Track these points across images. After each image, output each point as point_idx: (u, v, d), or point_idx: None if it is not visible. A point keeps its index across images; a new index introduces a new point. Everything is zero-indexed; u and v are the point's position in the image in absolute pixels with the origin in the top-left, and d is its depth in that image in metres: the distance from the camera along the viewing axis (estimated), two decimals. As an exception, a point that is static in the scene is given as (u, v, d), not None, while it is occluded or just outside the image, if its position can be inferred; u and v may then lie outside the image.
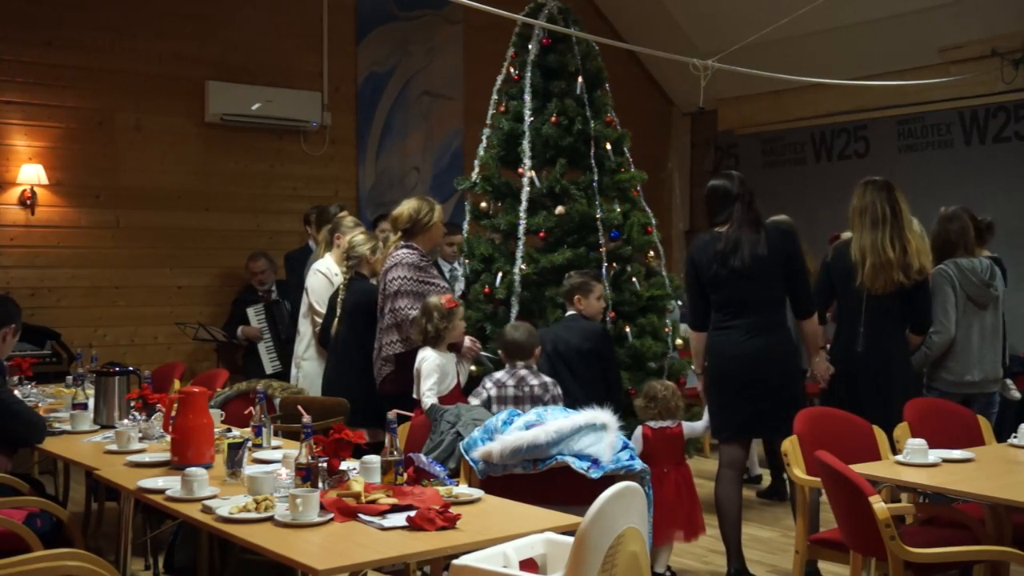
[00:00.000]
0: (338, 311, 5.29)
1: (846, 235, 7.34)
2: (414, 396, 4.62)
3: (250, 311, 7.31)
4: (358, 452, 3.29)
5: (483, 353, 5.28)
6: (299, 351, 5.74)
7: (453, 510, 2.79)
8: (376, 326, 5.05)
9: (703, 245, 4.54)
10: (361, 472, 3.15)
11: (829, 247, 7.32)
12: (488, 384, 4.58)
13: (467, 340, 4.89)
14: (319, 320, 5.56)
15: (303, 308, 5.75)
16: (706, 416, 4.69)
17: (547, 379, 4.60)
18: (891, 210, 4.63)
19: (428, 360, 4.60)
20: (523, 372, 4.57)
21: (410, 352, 4.80)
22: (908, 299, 4.66)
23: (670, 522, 4.46)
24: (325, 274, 5.64)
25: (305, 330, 5.71)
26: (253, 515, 2.78)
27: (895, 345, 4.68)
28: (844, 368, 4.67)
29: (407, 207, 5.08)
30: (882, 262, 4.58)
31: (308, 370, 5.64)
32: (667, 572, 4.59)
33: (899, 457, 3.71)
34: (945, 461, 3.64)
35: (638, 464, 3.56)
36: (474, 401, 4.51)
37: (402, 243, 5.02)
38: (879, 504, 3.05)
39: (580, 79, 6.05)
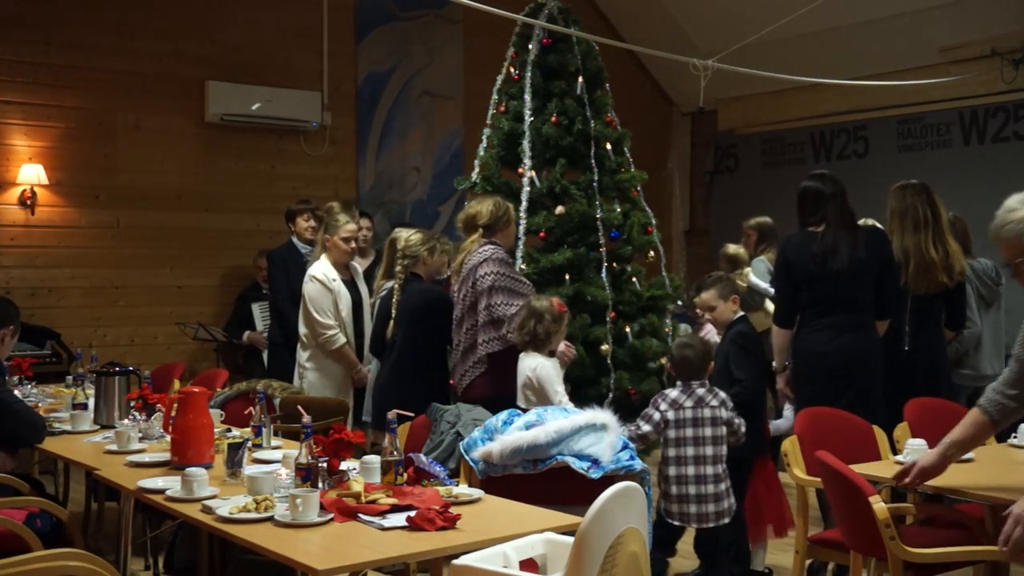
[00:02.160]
0: (392, 313, 5.02)
1: None
2: (520, 404, 4.42)
3: (255, 307, 7.32)
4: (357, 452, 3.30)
5: None
6: (301, 359, 5.53)
7: (453, 510, 2.79)
8: (436, 327, 4.89)
9: (798, 245, 4.60)
10: (361, 472, 3.15)
11: None
12: (662, 405, 4.18)
13: (562, 344, 4.71)
14: (325, 331, 5.37)
15: (301, 315, 5.53)
16: (788, 413, 4.70)
17: (722, 394, 4.22)
18: (932, 213, 4.73)
19: (545, 366, 4.42)
20: (700, 391, 4.19)
21: (503, 352, 4.66)
22: (948, 299, 4.81)
23: (762, 519, 4.45)
24: (322, 281, 5.43)
25: (307, 340, 5.49)
26: (253, 515, 2.78)
27: (938, 343, 4.82)
28: (888, 367, 4.71)
29: (485, 205, 4.93)
30: (926, 264, 4.67)
31: (313, 379, 5.45)
32: (765, 570, 4.59)
33: (899, 457, 3.71)
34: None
35: (638, 464, 3.56)
36: (644, 426, 4.16)
37: (485, 240, 4.86)
38: (879, 504, 3.05)
39: (580, 79, 6.06)
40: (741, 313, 4.72)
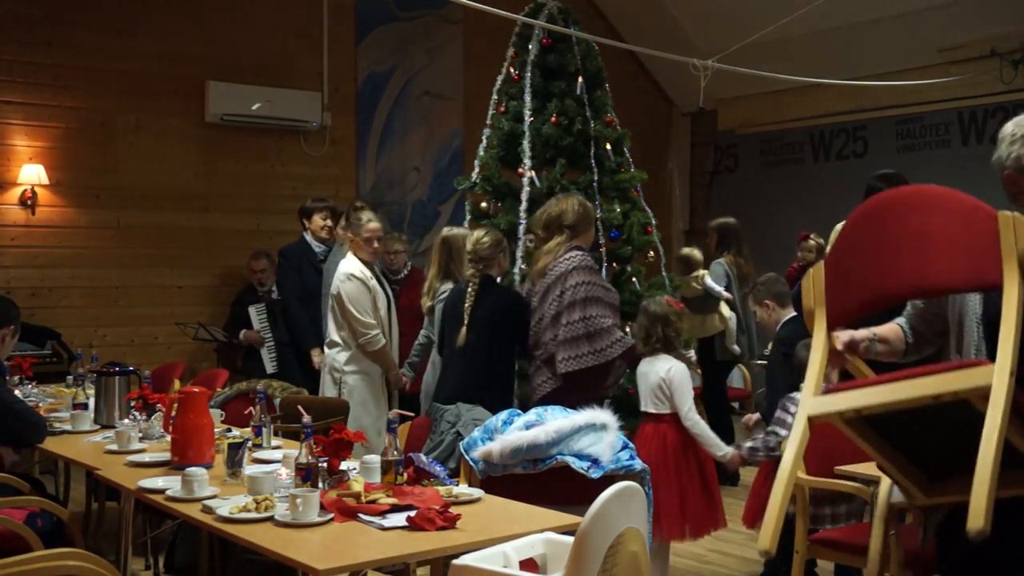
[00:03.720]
0: (466, 318, 4.66)
1: (812, 235, 7.47)
2: (643, 408, 4.37)
3: (252, 310, 7.29)
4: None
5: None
6: (338, 363, 5.16)
7: (453, 510, 2.79)
8: (513, 334, 4.64)
9: None
10: (361, 472, 3.15)
11: (799, 246, 7.42)
12: (792, 408, 4.05)
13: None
14: (367, 331, 5.08)
15: (337, 317, 5.19)
16: None
17: None
18: None
19: (682, 370, 4.36)
20: None
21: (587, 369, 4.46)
22: None
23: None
24: (361, 279, 5.14)
25: (344, 341, 5.17)
26: (253, 515, 2.78)
27: None
28: None
29: (570, 203, 4.65)
30: None
31: (355, 383, 5.11)
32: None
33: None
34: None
35: (638, 464, 3.57)
36: (781, 431, 4.03)
37: (570, 244, 4.58)
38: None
39: (580, 79, 6.05)
40: (792, 314, 4.64)
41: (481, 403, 4.28)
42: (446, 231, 5.33)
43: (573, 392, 4.38)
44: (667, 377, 4.36)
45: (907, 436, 2.18)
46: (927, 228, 2.13)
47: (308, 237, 6.34)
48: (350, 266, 5.17)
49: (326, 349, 5.30)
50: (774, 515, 2.04)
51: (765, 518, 2.04)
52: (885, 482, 3.42)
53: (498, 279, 4.84)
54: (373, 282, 5.18)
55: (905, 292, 2.17)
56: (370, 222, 5.25)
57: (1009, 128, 2.34)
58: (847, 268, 2.24)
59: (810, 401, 2.13)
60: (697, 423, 4.33)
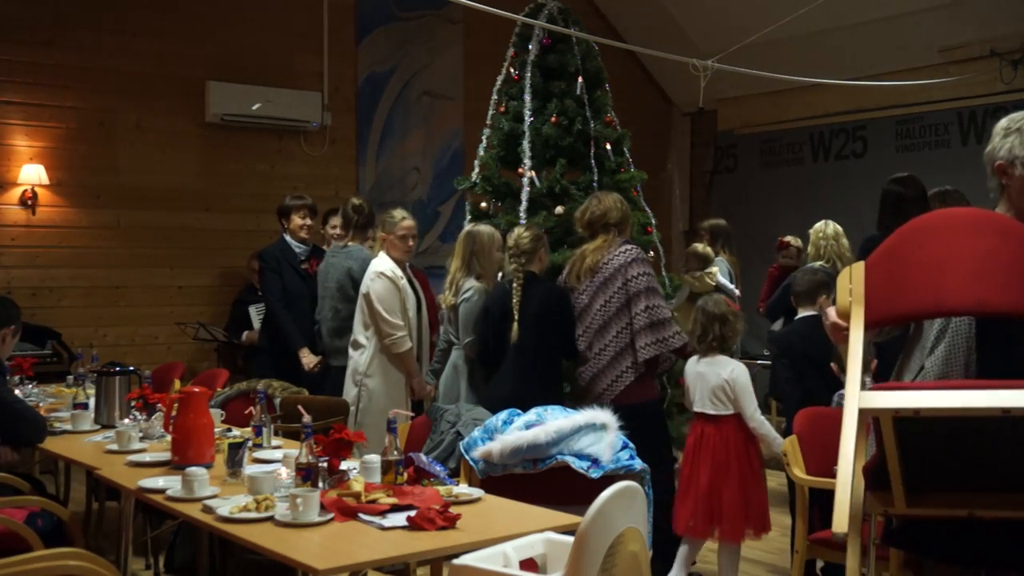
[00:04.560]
0: (515, 314, 4.59)
1: (789, 239, 7.52)
2: (700, 409, 4.40)
3: (252, 310, 7.30)
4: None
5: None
6: (359, 367, 5.04)
7: (453, 510, 2.79)
8: (562, 330, 4.58)
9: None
10: (361, 472, 3.15)
11: (778, 252, 7.46)
12: None
13: None
14: (394, 332, 4.96)
15: (364, 316, 5.06)
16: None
17: None
18: None
19: (743, 371, 4.38)
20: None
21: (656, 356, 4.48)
22: None
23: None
24: (391, 278, 5.01)
25: (369, 343, 5.05)
26: (253, 515, 2.79)
27: None
28: None
29: (612, 202, 4.65)
30: None
31: (374, 387, 5.01)
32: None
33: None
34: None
35: (638, 464, 3.57)
36: None
37: (621, 239, 4.61)
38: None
39: (580, 79, 6.06)
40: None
41: (544, 399, 4.18)
42: (471, 226, 5.22)
43: (651, 381, 4.47)
44: (730, 379, 4.37)
45: (929, 442, 2.20)
46: (1001, 252, 2.21)
47: (287, 238, 6.02)
48: (381, 264, 5.05)
49: (349, 350, 5.15)
50: (846, 500, 2.09)
51: (837, 503, 2.09)
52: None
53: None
54: (403, 282, 5.08)
55: (967, 309, 2.21)
56: (404, 219, 5.17)
57: (1003, 123, 2.41)
58: (901, 276, 2.29)
59: (864, 395, 2.14)
60: (763, 423, 4.34)
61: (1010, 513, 2.20)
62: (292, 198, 6.12)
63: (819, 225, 5.90)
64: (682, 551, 4.44)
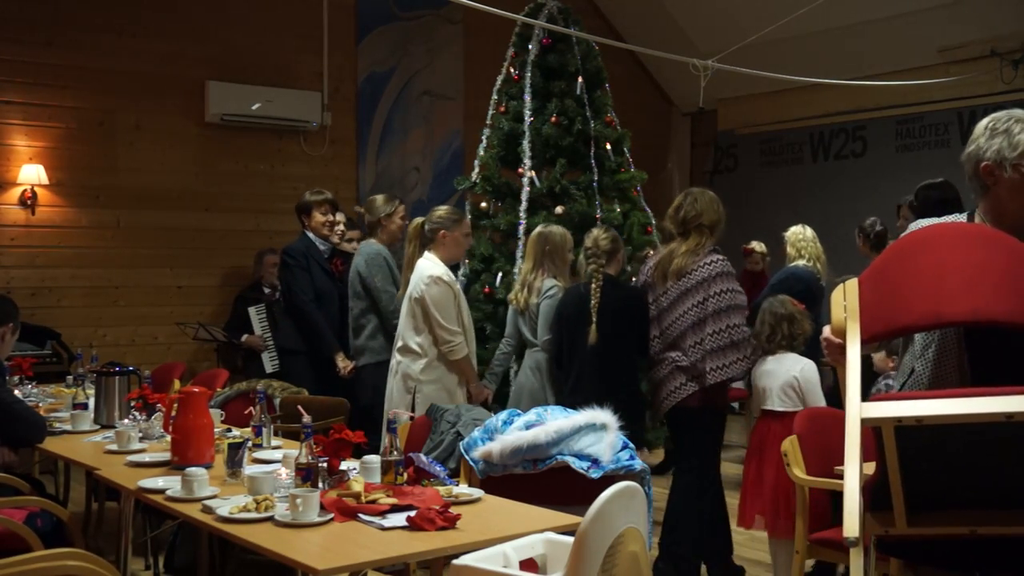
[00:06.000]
0: (594, 316, 4.56)
1: (754, 244, 7.53)
2: (768, 406, 4.42)
3: (252, 311, 7.29)
4: (358, 452, 3.30)
5: None
6: (413, 371, 4.83)
7: (453, 510, 2.79)
8: (638, 333, 4.55)
9: None
10: (361, 472, 3.15)
11: (745, 258, 7.49)
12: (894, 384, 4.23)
13: None
14: (452, 339, 4.79)
15: (416, 322, 4.84)
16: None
17: None
18: None
19: (813, 367, 4.39)
20: None
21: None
22: None
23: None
24: (448, 283, 4.83)
25: (423, 348, 4.84)
26: (253, 515, 2.78)
27: None
28: None
29: (707, 201, 4.51)
30: None
31: (431, 394, 4.79)
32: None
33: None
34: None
35: (638, 464, 3.57)
36: None
37: (710, 246, 4.46)
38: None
39: (580, 79, 6.06)
40: None
41: (622, 401, 4.13)
42: (543, 227, 5.12)
43: (719, 389, 4.41)
44: (800, 376, 4.40)
45: (929, 458, 2.20)
46: (991, 263, 2.24)
47: (310, 235, 5.77)
48: (435, 268, 4.83)
49: (399, 356, 4.93)
50: (855, 510, 2.13)
51: (846, 512, 2.14)
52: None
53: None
54: (458, 286, 4.95)
55: (964, 318, 2.23)
56: (465, 218, 5.09)
57: (986, 123, 2.41)
58: (896, 289, 2.31)
59: (865, 406, 2.15)
60: None
61: (1012, 531, 2.20)
62: (312, 193, 5.86)
63: (796, 228, 6.08)
64: (775, 556, 4.39)
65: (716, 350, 4.33)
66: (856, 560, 2.22)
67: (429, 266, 4.84)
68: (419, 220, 5.05)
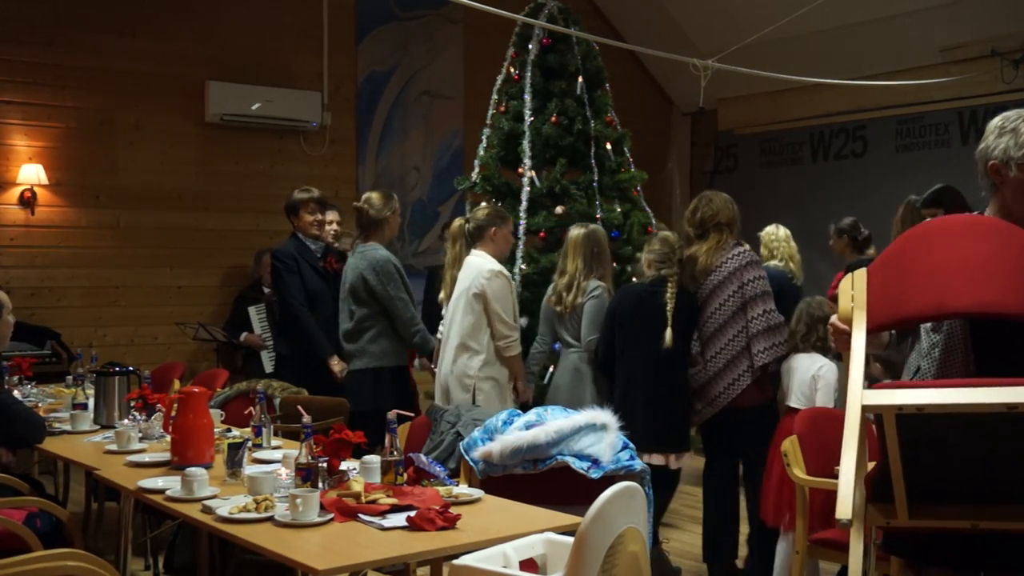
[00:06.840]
0: (669, 319, 4.56)
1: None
2: (790, 403, 4.45)
3: (252, 310, 7.29)
4: (358, 452, 3.29)
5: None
6: (472, 369, 4.77)
7: (453, 510, 2.79)
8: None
9: None
10: (361, 472, 3.15)
11: None
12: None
13: None
14: (510, 335, 4.75)
15: (474, 318, 4.77)
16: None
17: None
18: None
19: (832, 369, 4.42)
20: None
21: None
22: None
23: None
24: (507, 277, 4.81)
25: (481, 346, 4.79)
26: (253, 515, 2.78)
27: None
28: None
29: (721, 202, 4.64)
30: None
31: (490, 391, 4.75)
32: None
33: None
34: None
35: (638, 464, 3.56)
36: None
37: (734, 240, 4.64)
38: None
39: (580, 79, 6.06)
40: None
41: (679, 406, 4.21)
42: (587, 228, 5.05)
43: (767, 382, 4.54)
44: (818, 374, 4.44)
45: (931, 451, 2.20)
46: (1001, 255, 2.24)
47: (300, 236, 5.61)
48: (491, 263, 4.80)
49: (454, 354, 4.84)
50: (849, 493, 2.13)
51: (841, 494, 2.13)
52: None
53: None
54: (514, 283, 4.90)
55: (969, 310, 2.23)
56: (510, 217, 5.08)
57: (997, 121, 2.41)
58: (903, 280, 2.32)
59: (866, 393, 2.16)
60: None
61: (1014, 525, 2.20)
62: (300, 191, 5.70)
63: (770, 228, 6.10)
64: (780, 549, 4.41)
65: (760, 332, 4.49)
66: (856, 545, 2.22)
67: (485, 261, 4.81)
68: (460, 220, 5.04)
